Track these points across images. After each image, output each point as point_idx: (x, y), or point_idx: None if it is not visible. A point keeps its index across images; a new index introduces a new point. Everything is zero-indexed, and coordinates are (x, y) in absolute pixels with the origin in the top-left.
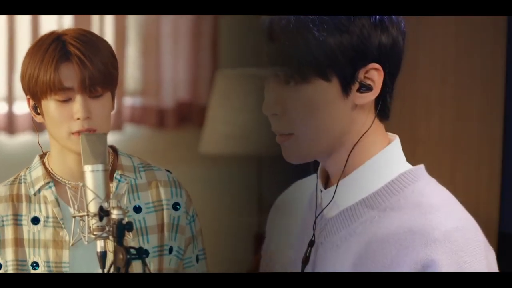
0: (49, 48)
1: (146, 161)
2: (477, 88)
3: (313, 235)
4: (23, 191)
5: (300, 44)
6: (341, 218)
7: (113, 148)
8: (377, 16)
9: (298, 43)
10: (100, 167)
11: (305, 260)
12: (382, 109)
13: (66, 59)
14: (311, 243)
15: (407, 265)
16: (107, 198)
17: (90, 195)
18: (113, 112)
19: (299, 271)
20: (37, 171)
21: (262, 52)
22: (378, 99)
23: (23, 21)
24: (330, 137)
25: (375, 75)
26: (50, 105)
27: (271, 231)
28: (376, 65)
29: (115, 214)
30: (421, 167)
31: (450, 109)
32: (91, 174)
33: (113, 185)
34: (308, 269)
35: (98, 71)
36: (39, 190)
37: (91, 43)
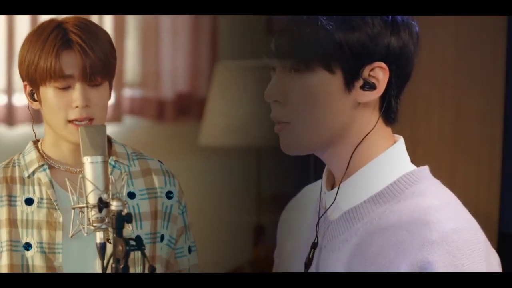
0: (50, 36)
1: (138, 150)
2: (477, 88)
3: (316, 237)
4: (17, 173)
5: (308, 33)
6: (343, 220)
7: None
8: (390, 17)
9: (306, 32)
10: (99, 158)
11: (308, 263)
12: (387, 112)
13: (68, 46)
14: (314, 245)
15: (404, 267)
16: (106, 189)
17: (89, 187)
18: (109, 102)
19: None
20: (31, 155)
21: (270, 40)
22: (383, 101)
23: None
24: (328, 131)
25: (380, 74)
26: (49, 92)
27: (282, 236)
28: (382, 64)
29: (114, 205)
30: (425, 169)
31: (450, 109)
32: (91, 166)
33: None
34: (312, 271)
35: (99, 59)
36: (33, 172)
37: (92, 31)
